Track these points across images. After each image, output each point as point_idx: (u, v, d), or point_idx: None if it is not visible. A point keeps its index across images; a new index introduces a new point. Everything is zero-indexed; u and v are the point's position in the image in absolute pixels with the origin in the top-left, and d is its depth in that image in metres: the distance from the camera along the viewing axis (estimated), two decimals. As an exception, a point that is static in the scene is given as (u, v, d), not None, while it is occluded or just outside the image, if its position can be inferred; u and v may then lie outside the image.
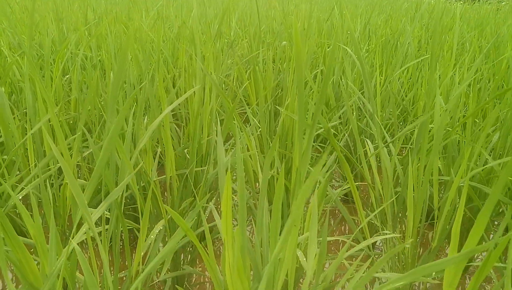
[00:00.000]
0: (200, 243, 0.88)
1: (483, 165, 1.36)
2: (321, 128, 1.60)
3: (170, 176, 1.19)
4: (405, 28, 2.82)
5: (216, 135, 1.23)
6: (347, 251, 1.33)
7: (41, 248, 0.69)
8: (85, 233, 0.73)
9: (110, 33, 1.83)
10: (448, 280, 0.66)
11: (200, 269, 1.43)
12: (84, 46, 1.40)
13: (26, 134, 1.33)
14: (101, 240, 0.97)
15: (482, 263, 0.58)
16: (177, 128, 1.63)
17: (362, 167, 1.24)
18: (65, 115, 1.62)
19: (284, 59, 2.32)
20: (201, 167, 1.31)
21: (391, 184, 1.21)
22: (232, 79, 2.16)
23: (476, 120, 1.68)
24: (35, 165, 1.33)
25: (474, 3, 6.34)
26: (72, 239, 0.66)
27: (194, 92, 1.22)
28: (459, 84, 1.66)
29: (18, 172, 1.37)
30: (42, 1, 3.83)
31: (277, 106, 1.26)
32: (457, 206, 1.29)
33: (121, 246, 1.52)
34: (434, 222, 1.73)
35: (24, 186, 1.04)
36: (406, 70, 2.18)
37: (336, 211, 1.86)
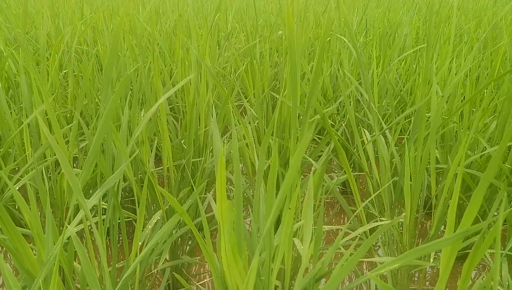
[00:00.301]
0: (199, 233, 0.89)
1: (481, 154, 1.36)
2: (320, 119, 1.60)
3: (167, 167, 1.19)
4: (402, 19, 2.81)
5: (213, 123, 1.23)
6: (344, 239, 1.33)
7: (38, 235, 0.69)
8: (81, 222, 0.74)
9: (106, 28, 1.83)
10: (444, 263, 0.66)
11: (199, 259, 1.43)
12: (79, 36, 1.39)
13: (23, 128, 1.33)
14: (97, 229, 0.97)
15: (477, 243, 0.59)
16: (174, 122, 1.63)
17: (359, 155, 1.24)
18: (62, 108, 1.62)
19: (282, 52, 2.31)
20: (199, 158, 1.31)
21: (388, 173, 1.21)
22: (229, 72, 2.16)
23: (474, 109, 1.68)
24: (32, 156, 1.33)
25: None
26: (69, 225, 0.66)
27: (190, 81, 1.22)
28: (456, 74, 1.66)
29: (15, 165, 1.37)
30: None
31: (272, 92, 1.26)
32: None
33: (120, 240, 1.53)
34: (432, 212, 1.74)
35: (21, 176, 1.04)
36: (404, 61, 2.17)
37: (335, 203, 1.86)
